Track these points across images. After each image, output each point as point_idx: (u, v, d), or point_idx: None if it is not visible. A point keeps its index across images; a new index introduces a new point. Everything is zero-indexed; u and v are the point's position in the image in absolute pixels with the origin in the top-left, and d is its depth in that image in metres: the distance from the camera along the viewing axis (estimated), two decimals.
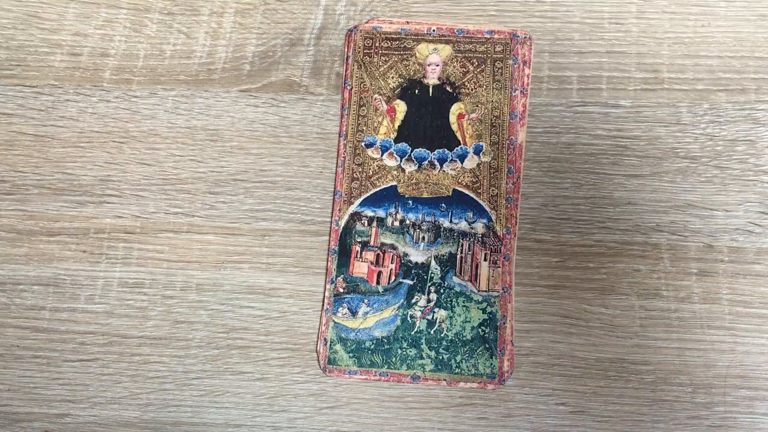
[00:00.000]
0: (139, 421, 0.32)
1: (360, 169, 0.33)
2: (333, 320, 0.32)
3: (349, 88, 0.34)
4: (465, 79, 0.34)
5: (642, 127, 0.33)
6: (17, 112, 0.35)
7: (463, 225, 0.33)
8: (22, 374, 0.33)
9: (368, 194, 0.33)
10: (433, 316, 0.32)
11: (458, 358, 0.31)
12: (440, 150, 0.33)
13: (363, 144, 0.34)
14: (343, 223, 0.33)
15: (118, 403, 0.32)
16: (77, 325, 0.33)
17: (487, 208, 0.33)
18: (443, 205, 0.33)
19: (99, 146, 0.34)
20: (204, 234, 0.33)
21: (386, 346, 0.32)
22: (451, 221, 0.33)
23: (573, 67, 0.34)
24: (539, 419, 0.31)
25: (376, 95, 0.34)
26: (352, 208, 0.33)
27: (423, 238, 0.33)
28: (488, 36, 0.34)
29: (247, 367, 0.32)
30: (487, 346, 0.31)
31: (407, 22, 0.35)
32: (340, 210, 0.33)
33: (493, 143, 0.33)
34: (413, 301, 0.32)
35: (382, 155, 0.33)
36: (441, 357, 0.31)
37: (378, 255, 0.33)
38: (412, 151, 0.33)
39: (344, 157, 0.33)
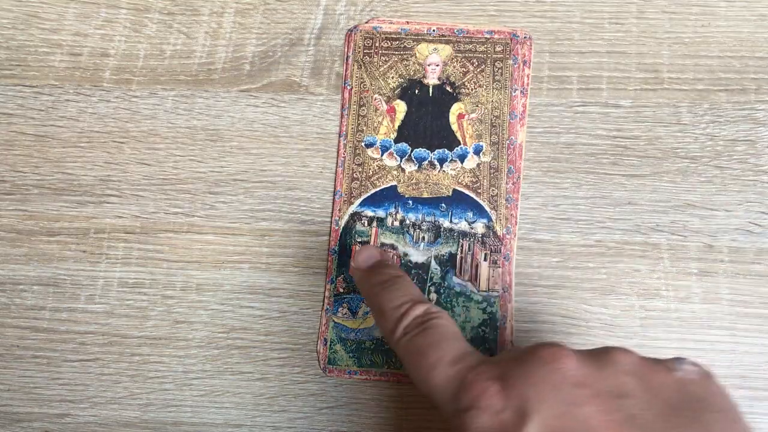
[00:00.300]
0: (139, 421, 0.32)
1: (360, 169, 0.33)
2: (333, 320, 0.32)
3: (349, 88, 0.34)
4: (465, 79, 0.34)
5: (642, 127, 0.33)
6: (17, 112, 0.35)
7: (463, 225, 0.33)
8: (22, 374, 0.33)
9: (368, 194, 0.33)
10: None
11: None
12: (440, 150, 0.33)
13: (363, 144, 0.34)
14: (343, 223, 0.33)
15: (118, 403, 0.32)
16: (77, 325, 0.33)
17: (487, 208, 0.33)
18: (443, 205, 0.33)
19: (99, 146, 0.34)
20: (204, 234, 0.33)
21: (386, 346, 0.32)
22: (451, 221, 0.33)
23: (573, 67, 0.34)
24: None
25: (376, 95, 0.34)
26: (352, 208, 0.33)
27: (423, 238, 0.33)
28: (488, 36, 0.34)
29: (247, 367, 0.32)
30: (487, 346, 0.31)
31: (407, 22, 0.35)
32: (340, 210, 0.33)
33: (493, 143, 0.33)
34: None
35: (382, 155, 0.33)
36: None
37: None
38: (412, 151, 0.33)
39: (344, 157, 0.33)
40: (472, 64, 0.34)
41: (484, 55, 0.34)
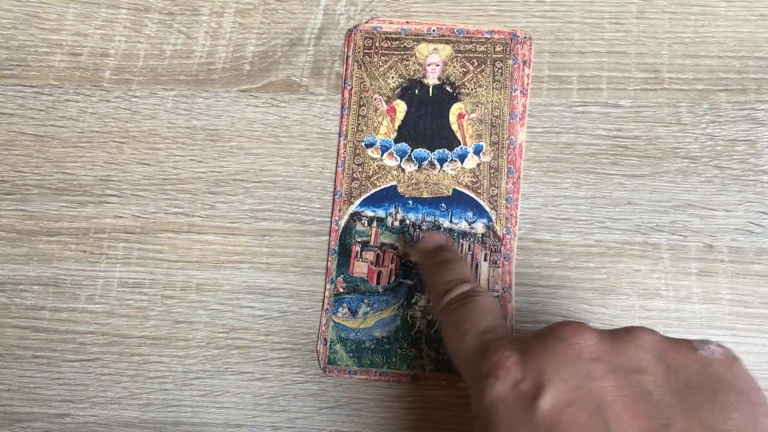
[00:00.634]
0: (139, 421, 0.32)
1: (360, 169, 0.33)
2: (333, 320, 0.32)
3: (349, 88, 0.34)
4: (465, 79, 0.34)
5: (642, 127, 0.33)
6: (17, 112, 0.35)
7: (463, 225, 0.33)
8: (22, 374, 0.33)
9: (368, 194, 0.33)
10: (433, 316, 0.32)
11: None
12: (440, 150, 0.33)
13: (363, 144, 0.34)
14: (343, 223, 0.33)
15: (118, 403, 0.32)
16: (77, 325, 0.33)
17: (487, 208, 0.33)
18: (443, 205, 0.33)
19: (99, 146, 0.34)
20: (204, 234, 0.33)
21: (386, 346, 0.32)
22: (451, 221, 0.33)
23: (573, 67, 0.34)
24: None
25: (376, 95, 0.34)
26: (352, 208, 0.33)
27: None
28: (488, 36, 0.34)
29: (247, 367, 0.32)
30: None
31: (407, 22, 0.35)
32: (340, 210, 0.33)
33: (493, 143, 0.33)
34: (413, 301, 0.32)
35: (382, 155, 0.33)
36: (441, 357, 0.31)
37: (378, 255, 0.33)
38: (412, 151, 0.33)
39: (344, 157, 0.33)
40: (472, 64, 0.34)
41: (484, 55, 0.34)
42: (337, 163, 0.34)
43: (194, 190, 0.34)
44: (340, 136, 0.34)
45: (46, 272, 0.33)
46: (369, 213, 0.33)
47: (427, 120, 0.34)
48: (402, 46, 0.34)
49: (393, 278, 0.32)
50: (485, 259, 0.32)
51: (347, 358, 0.32)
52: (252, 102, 0.34)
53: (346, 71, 0.34)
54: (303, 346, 0.32)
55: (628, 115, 0.33)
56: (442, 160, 0.33)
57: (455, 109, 0.34)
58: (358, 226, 0.33)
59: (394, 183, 0.33)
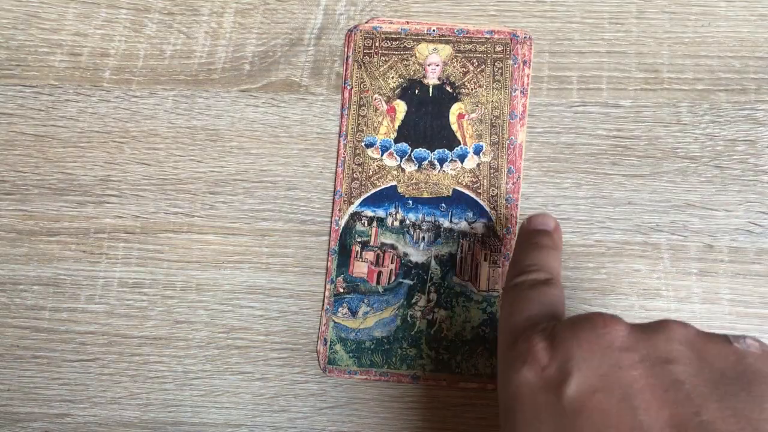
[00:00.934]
0: (139, 421, 0.32)
1: (360, 169, 0.33)
2: (333, 320, 0.32)
3: (349, 88, 0.34)
4: (465, 79, 0.34)
5: (642, 127, 0.33)
6: (17, 112, 0.35)
7: (463, 225, 0.33)
8: (22, 374, 0.33)
9: (368, 194, 0.33)
10: (433, 316, 0.32)
11: (458, 358, 0.31)
12: (440, 150, 0.33)
13: (363, 144, 0.34)
14: (343, 223, 0.33)
15: (118, 403, 0.32)
16: (77, 325, 0.33)
17: (487, 208, 0.33)
18: (443, 205, 0.33)
19: (99, 146, 0.34)
20: (204, 234, 0.33)
21: (386, 346, 0.32)
22: (451, 221, 0.33)
23: (573, 67, 0.34)
24: None
25: (376, 95, 0.34)
26: (352, 208, 0.33)
27: (423, 238, 0.33)
28: (488, 36, 0.34)
29: (247, 367, 0.32)
30: (487, 346, 0.31)
31: (407, 22, 0.35)
32: (340, 210, 0.33)
33: (493, 143, 0.33)
34: (413, 301, 0.32)
35: (382, 155, 0.33)
36: (441, 357, 0.31)
37: (378, 255, 0.33)
38: (412, 151, 0.33)
39: (344, 157, 0.33)
40: (472, 64, 0.34)
41: (484, 55, 0.34)
42: (337, 163, 0.34)
43: (194, 190, 0.34)
44: (340, 136, 0.34)
45: (46, 272, 0.33)
46: (369, 213, 0.33)
47: (427, 120, 0.34)
48: (402, 46, 0.34)
49: (393, 278, 0.32)
50: (485, 259, 0.32)
51: (347, 358, 0.32)
52: (252, 102, 0.34)
53: (346, 71, 0.34)
54: (303, 346, 0.32)
55: (628, 115, 0.33)
56: (442, 160, 0.33)
57: (455, 109, 0.34)
58: (358, 226, 0.33)
59: (394, 183, 0.33)
